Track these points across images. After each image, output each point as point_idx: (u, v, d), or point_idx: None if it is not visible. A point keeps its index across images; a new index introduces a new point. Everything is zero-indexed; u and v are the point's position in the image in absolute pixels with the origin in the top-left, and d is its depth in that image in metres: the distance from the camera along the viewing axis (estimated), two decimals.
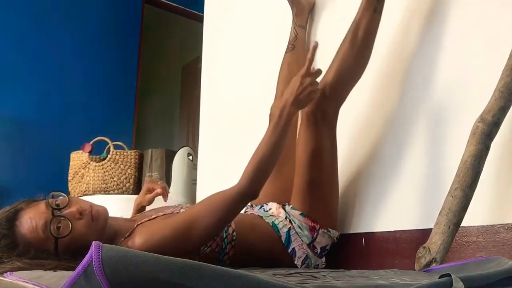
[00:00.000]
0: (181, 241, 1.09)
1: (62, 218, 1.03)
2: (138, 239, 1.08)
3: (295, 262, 1.32)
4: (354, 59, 1.31)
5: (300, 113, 1.40)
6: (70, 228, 1.02)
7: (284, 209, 1.39)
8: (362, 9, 1.31)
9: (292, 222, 1.35)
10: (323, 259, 1.38)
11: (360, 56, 1.32)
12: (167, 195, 1.41)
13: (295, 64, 1.61)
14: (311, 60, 1.12)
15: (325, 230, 1.35)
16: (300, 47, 1.71)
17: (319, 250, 1.35)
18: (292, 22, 1.74)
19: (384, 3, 1.32)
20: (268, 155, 1.12)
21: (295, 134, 1.46)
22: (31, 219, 1.02)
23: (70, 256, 1.01)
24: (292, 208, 1.39)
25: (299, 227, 1.34)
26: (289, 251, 1.32)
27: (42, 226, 1.01)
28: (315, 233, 1.34)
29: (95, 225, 1.07)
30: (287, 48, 1.70)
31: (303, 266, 1.33)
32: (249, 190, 1.12)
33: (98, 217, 1.08)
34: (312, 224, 1.34)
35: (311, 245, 1.34)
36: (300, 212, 1.36)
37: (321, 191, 1.37)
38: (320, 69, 1.13)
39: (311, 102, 1.18)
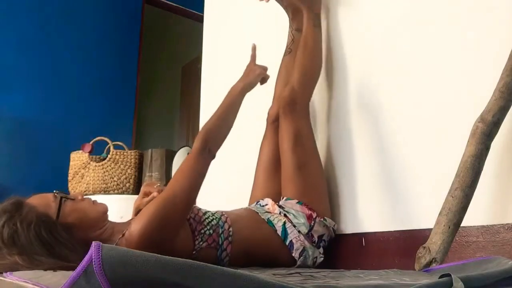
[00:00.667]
0: (168, 213, 1.17)
1: (67, 198, 1.14)
2: (132, 228, 1.14)
3: (293, 255, 1.34)
4: (309, 62, 1.59)
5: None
6: (74, 199, 1.14)
7: (279, 205, 1.43)
8: (305, 26, 1.61)
9: (288, 215, 1.39)
10: (321, 250, 1.40)
11: (312, 60, 1.60)
12: None
13: (293, 67, 1.63)
14: (253, 56, 1.52)
15: (322, 219, 1.41)
16: (297, 50, 1.72)
17: (316, 239, 1.38)
18: (289, 26, 1.75)
19: (320, 19, 1.65)
20: (218, 119, 1.33)
21: None
22: (39, 195, 1.13)
23: (68, 229, 1.08)
24: (288, 198, 1.43)
25: (295, 216, 1.38)
26: (286, 243, 1.35)
27: (49, 195, 1.12)
28: (313, 222, 1.39)
29: (96, 207, 1.17)
30: (285, 52, 1.72)
31: (300, 258, 1.35)
32: (202, 146, 1.27)
33: (98, 203, 1.19)
34: (309, 213, 1.39)
35: (309, 234, 1.37)
36: (297, 201, 1.41)
37: (309, 173, 1.47)
38: (266, 66, 1.50)
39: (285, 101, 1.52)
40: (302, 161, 1.47)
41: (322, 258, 1.40)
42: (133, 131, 3.97)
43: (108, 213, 1.20)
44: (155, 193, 1.41)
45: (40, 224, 1.04)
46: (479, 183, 0.99)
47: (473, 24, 1.22)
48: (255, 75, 1.46)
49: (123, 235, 1.14)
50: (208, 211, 1.31)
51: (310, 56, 1.59)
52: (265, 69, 1.49)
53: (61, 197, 1.11)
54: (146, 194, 1.43)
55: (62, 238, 1.04)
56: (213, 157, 1.30)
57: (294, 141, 1.48)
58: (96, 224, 1.15)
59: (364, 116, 1.51)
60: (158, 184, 1.48)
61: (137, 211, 1.44)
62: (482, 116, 1.01)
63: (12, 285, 0.78)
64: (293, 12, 1.75)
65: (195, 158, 1.26)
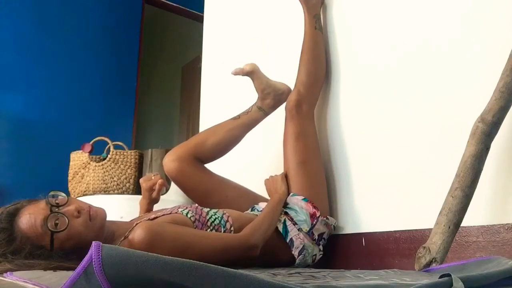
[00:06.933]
0: (179, 251, 1.09)
1: (60, 215, 1.05)
2: (139, 231, 1.07)
3: (293, 252, 1.36)
4: (313, 64, 1.61)
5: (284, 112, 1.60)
6: (67, 224, 1.04)
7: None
8: (307, 29, 1.64)
9: (289, 212, 1.41)
10: (321, 247, 1.43)
11: (316, 62, 1.62)
12: (166, 184, 1.49)
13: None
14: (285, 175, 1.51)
15: (324, 218, 1.43)
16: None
17: (316, 237, 1.41)
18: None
19: (321, 22, 1.67)
20: (269, 223, 1.32)
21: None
22: (30, 215, 1.04)
23: (64, 255, 1.02)
24: (293, 194, 1.45)
25: (297, 213, 1.40)
26: (287, 241, 1.37)
27: (41, 221, 1.03)
28: (315, 220, 1.40)
29: (92, 224, 1.09)
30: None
31: (299, 257, 1.37)
32: (250, 240, 1.22)
33: (96, 217, 1.10)
34: (314, 211, 1.41)
35: (309, 233, 1.39)
36: (303, 197, 1.43)
37: (310, 170, 1.50)
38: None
39: (290, 105, 1.56)
40: (303, 158, 1.50)
41: (322, 255, 1.43)
42: (133, 131, 3.97)
43: (108, 213, 1.17)
44: (160, 181, 1.44)
45: (33, 253, 1.00)
46: (479, 183, 0.99)
47: (473, 24, 1.22)
48: (281, 185, 1.46)
49: (125, 237, 1.12)
50: (211, 210, 1.31)
51: (313, 59, 1.61)
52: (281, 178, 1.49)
53: (52, 232, 1.02)
54: (151, 189, 1.44)
55: (59, 259, 1.00)
56: (255, 252, 1.24)
57: (297, 139, 1.52)
58: (94, 239, 1.10)
59: (364, 116, 1.51)
60: (155, 174, 1.49)
61: (146, 210, 1.45)
62: (482, 116, 1.01)
63: (12, 285, 0.78)
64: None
65: (238, 245, 1.21)
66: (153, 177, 1.46)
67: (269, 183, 1.51)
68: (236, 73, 1.55)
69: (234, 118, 1.59)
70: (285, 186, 1.46)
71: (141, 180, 1.49)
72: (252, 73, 1.56)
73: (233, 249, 1.20)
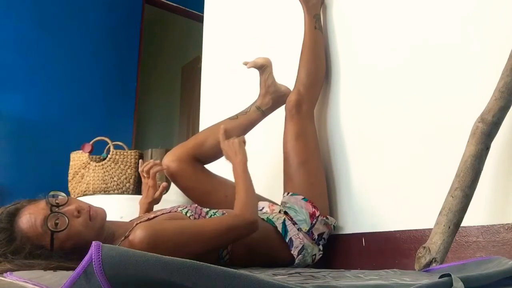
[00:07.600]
0: (182, 244, 1.10)
1: (60, 214, 1.04)
2: (139, 232, 1.07)
3: (292, 252, 1.36)
4: (313, 64, 1.62)
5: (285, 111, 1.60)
6: (67, 223, 1.03)
7: (282, 201, 1.45)
8: (307, 29, 1.64)
9: (288, 211, 1.41)
10: (320, 247, 1.42)
11: (316, 62, 1.63)
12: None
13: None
14: (222, 136, 1.41)
15: (324, 217, 1.43)
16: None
17: (316, 237, 1.41)
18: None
19: (321, 22, 1.67)
20: (252, 192, 1.31)
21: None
22: (30, 215, 1.04)
23: (64, 255, 1.02)
24: (293, 194, 1.45)
25: (297, 213, 1.40)
26: (286, 240, 1.36)
27: (41, 221, 1.03)
28: (315, 220, 1.41)
29: (92, 224, 1.08)
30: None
31: (299, 257, 1.36)
32: (247, 217, 1.22)
33: (96, 217, 1.10)
34: (313, 210, 1.41)
35: (309, 232, 1.39)
36: (303, 197, 1.43)
37: (310, 170, 1.49)
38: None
39: (290, 105, 1.56)
40: (303, 158, 1.49)
41: (321, 255, 1.43)
42: (133, 131, 3.97)
43: (108, 213, 1.17)
44: (163, 184, 1.44)
45: (33, 253, 1.00)
46: (479, 183, 0.99)
47: (473, 24, 1.22)
48: (239, 148, 1.37)
49: (126, 237, 1.11)
50: (210, 210, 1.31)
51: (313, 59, 1.62)
52: (242, 140, 1.41)
53: (52, 232, 1.02)
54: (154, 187, 1.44)
55: (59, 259, 1.00)
56: (255, 227, 1.23)
57: (297, 139, 1.51)
58: (94, 239, 1.09)
59: (364, 116, 1.51)
60: (148, 161, 1.48)
61: (147, 209, 1.45)
62: (482, 116, 1.01)
63: (12, 285, 0.78)
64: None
65: (240, 223, 1.21)
66: (148, 168, 1.45)
67: (227, 147, 1.40)
68: (247, 64, 1.58)
69: (232, 118, 1.59)
70: (243, 149, 1.37)
71: (140, 169, 1.48)
72: (265, 67, 1.60)
73: (235, 229, 1.19)
